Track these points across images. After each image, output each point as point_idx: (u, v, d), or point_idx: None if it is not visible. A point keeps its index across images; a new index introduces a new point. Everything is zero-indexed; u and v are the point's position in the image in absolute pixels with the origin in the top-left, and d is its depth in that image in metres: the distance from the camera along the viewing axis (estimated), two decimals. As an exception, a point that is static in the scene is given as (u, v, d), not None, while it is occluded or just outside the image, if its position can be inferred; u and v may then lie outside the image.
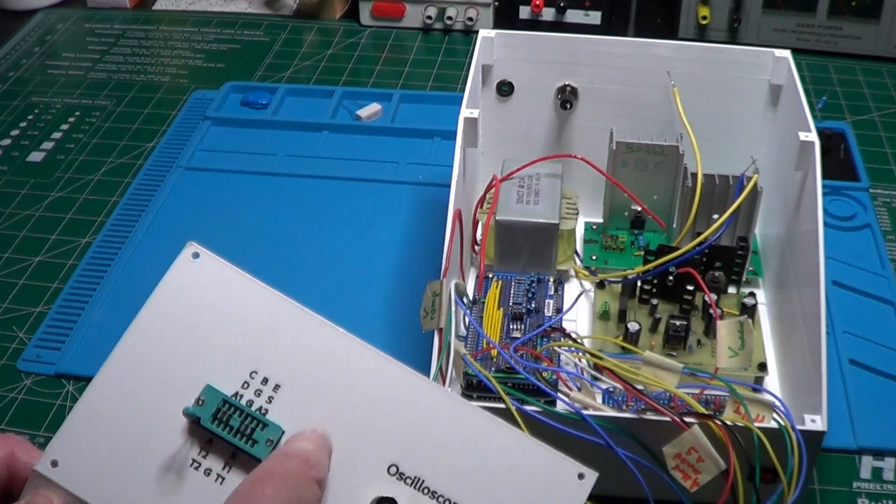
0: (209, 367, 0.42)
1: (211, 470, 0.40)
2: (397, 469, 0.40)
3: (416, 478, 0.40)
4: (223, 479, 0.40)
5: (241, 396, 0.41)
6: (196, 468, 0.40)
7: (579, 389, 0.57)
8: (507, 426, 0.41)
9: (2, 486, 0.41)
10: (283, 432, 0.41)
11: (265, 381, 0.42)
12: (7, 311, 0.74)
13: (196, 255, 0.43)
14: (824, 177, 0.62)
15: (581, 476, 0.40)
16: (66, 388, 0.67)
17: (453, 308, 0.57)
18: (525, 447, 0.41)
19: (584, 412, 0.51)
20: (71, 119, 0.97)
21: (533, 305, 0.66)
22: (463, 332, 0.64)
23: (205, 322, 0.43)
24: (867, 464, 0.61)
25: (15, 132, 0.95)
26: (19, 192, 0.87)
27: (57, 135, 0.94)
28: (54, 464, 0.41)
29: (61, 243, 0.80)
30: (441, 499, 0.40)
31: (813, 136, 0.63)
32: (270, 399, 0.41)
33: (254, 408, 0.41)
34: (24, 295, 0.75)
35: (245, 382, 0.42)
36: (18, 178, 0.88)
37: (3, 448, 0.42)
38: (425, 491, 0.40)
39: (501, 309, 0.66)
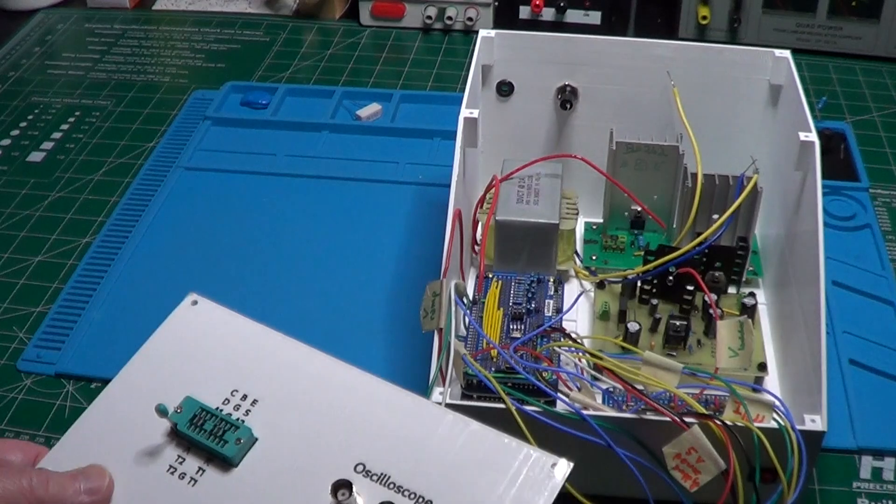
0: (194, 386, 0.46)
1: (185, 474, 0.44)
2: (364, 467, 0.43)
3: (382, 474, 0.42)
4: (195, 481, 0.44)
5: (221, 410, 0.46)
6: (172, 472, 0.44)
7: (579, 389, 0.57)
8: (475, 423, 0.43)
9: None
10: (256, 439, 0.44)
11: (244, 397, 0.46)
12: (7, 311, 0.74)
13: (195, 303, 0.50)
14: (824, 177, 0.62)
15: (553, 465, 0.41)
16: (66, 387, 0.67)
17: (453, 308, 0.57)
18: (495, 443, 0.42)
19: (584, 412, 0.51)
20: (71, 119, 0.97)
21: (533, 305, 0.66)
22: (463, 332, 0.64)
23: (197, 352, 0.48)
24: (867, 464, 0.61)
25: (15, 132, 0.95)
26: (19, 192, 0.87)
27: (57, 135, 0.94)
28: None
29: (61, 243, 0.80)
30: (407, 493, 0.41)
31: (813, 136, 0.63)
32: (248, 412, 0.46)
33: (230, 417, 0.45)
34: (24, 295, 0.75)
35: (226, 399, 0.46)
36: (18, 178, 0.88)
37: (28, 452, 0.47)
38: (391, 486, 0.42)
39: (501, 309, 0.66)
